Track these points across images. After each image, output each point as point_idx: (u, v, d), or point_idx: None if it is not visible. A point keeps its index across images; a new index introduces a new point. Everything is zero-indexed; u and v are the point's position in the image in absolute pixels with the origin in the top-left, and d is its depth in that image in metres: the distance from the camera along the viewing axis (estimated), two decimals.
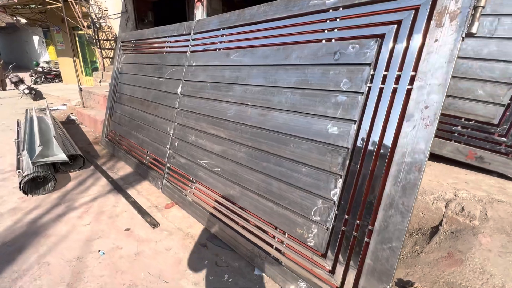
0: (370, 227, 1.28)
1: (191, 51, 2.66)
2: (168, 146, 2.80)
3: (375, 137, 1.30)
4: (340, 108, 1.44)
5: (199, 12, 3.37)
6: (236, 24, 2.17)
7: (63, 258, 1.89)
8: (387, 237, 1.22)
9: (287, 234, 1.66)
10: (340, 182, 1.41)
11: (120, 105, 3.86)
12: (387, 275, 1.22)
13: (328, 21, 1.57)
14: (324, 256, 1.46)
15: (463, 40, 1.12)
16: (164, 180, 2.79)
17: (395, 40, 1.28)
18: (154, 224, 2.28)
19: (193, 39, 2.65)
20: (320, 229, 1.47)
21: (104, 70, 7.72)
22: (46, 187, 2.76)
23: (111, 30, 8.38)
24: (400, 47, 1.26)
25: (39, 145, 2.81)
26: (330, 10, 1.56)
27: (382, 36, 1.33)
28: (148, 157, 3.16)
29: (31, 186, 2.73)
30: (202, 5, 3.26)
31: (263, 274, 1.75)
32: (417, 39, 1.22)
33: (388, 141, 1.25)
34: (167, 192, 2.73)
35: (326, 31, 1.58)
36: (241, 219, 1.96)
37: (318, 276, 1.48)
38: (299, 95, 1.65)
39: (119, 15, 7.44)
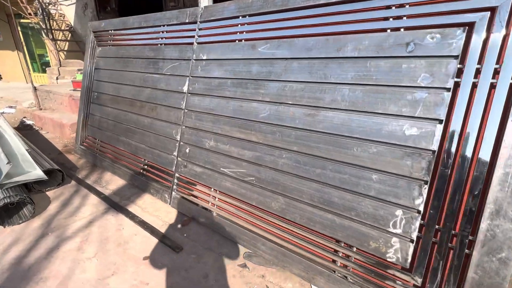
0: (470, 237, 1.17)
1: (198, 43, 2.29)
2: (175, 153, 2.43)
3: (471, 137, 1.17)
4: (420, 106, 1.29)
5: None
6: (264, 11, 1.88)
7: None
8: (495, 248, 1.11)
9: (355, 248, 1.49)
10: (425, 189, 1.27)
11: (99, 106, 3.29)
12: None
13: (393, 7, 1.39)
14: (409, 270, 1.33)
15: None
16: (174, 193, 2.42)
17: (489, 29, 1.16)
18: (177, 247, 1.94)
19: (200, 29, 2.29)
20: (402, 242, 1.33)
21: (61, 65, 6.69)
22: (21, 213, 2.21)
23: (63, 18, 7.28)
24: (496, 37, 1.14)
25: (8, 163, 2.22)
26: None
27: (471, 25, 1.19)
28: (146, 166, 2.73)
29: (1, 215, 2.16)
30: None
31: None
32: None
33: (488, 142, 1.14)
34: (180, 206, 2.37)
35: (391, 19, 1.40)
36: (287, 233, 1.74)
37: None
38: (361, 92, 1.46)
39: (73, 1, 6.46)
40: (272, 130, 1.81)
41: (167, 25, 2.56)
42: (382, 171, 1.39)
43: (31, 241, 1.97)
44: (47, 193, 2.63)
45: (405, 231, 1.32)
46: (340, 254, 1.54)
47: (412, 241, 1.30)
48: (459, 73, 1.22)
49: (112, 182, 2.91)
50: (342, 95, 1.52)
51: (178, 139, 2.41)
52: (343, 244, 1.53)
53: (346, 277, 1.50)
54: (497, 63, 1.14)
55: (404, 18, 1.37)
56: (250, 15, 1.96)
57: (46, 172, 2.55)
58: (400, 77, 1.35)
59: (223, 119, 2.08)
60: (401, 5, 1.37)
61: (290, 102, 1.72)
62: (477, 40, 1.18)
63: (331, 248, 1.57)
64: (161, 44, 2.62)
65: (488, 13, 1.16)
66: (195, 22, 2.32)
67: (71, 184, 2.83)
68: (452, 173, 1.21)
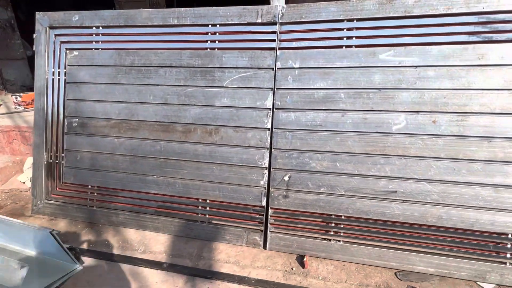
0: None
1: (282, 48, 1.92)
2: (262, 183, 1.97)
3: None
4: None
5: None
6: (380, 16, 1.76)
7: None
8: None
9: None
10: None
11: (88, 138, 2.26)
12: None
13: None
14: None
15: None
16: (270, 233, 1.97)
17: None
18: None
19: (283, 32, 1.92)
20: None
21: None
22: None
23: None
24: None
25: (22, 266, 1.20)
26: None
27: None
28: (208, 208, 2.09)
29: None
30: None
31: None
32: None
33: None
34: (284, 247, 1.95)
35: None
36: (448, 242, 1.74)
37: None
38: (508, 95, 1.61)
39: None
40: (411, 141, 1.74)
41: (221, 25, 2.01)
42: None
43: None
44: None
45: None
46: None
47: None
48: None
49: (150, 241, 2.08)
50: (489, 99, 1.64)
51: (266, 166, 1.96)
52: None
53: None
54: None
55: None
56: (361, 20, 1.80)
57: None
58: None
59: (340, 135, 1.84)
60: None
61: (430, 110, 1.71)
62: None
63: None
64: (212, 49, 2.03)
65: None
66: (274, 23, 1.92)
67: (91, 264, 1.84)
68: None
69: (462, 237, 1.72)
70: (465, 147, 1.68)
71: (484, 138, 1.65)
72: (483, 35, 1.65)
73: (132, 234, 2.16)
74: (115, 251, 1.97)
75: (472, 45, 1.66)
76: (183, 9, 2.05)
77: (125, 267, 1.82)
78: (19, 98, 3.46)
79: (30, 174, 2.71)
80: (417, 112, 1.73)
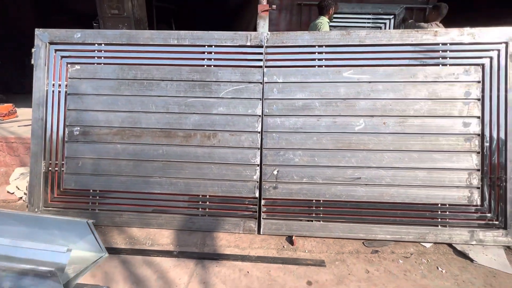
0: None
1: (268, 66, 2.37)
2: (255, 178, 2.36)
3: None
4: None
5: (264, 24, 2.74)
6: (342, 44, 2.31)
7: None
8: None
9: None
10: None
11: (90, 145, 2.44)
12: None
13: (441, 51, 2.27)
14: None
15: None
16: (263, 219, 2.34)
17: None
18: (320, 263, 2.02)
19: (268, 53, 2.37)
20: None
21: None
22: None
23: None
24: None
25: (68, 249, 1.39)
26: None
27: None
28: (207, 203, 2.40)
29: None
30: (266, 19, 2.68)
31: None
32: None
33: None
34: (276, 230, 2.33)
35: (441, 59, 2.27)
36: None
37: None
38: (431, 103, 2.25)
39: None
40: (363, 139, 2.29)
41: (217, 46, 2.39)
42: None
43: None
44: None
45: None
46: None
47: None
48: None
49: (156, 236, 2.30)
50: (420, 106, 2.26)
51: (258, 163, 2.36)
52: None
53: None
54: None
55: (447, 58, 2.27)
56: (328, 46, 2.33)
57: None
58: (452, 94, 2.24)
59: (317, 135, 2.31)
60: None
61: (380, 114, 2.28)
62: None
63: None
64: (208, 66, 2.40)
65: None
66: (260, 46, 2.37)
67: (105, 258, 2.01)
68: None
69: (408, 209, 2.29)
70: (406, 142, 2.27)
71: (418, 135, 2.26)
72: (412, 60, 2.29)
73: (136, 231, 2.36)
74: (124, 246, 2.16)
75: (406, 67, 2.28)
76: (182, 32, 2.40)
77: (138, 258, 2.03)
78: None
79: (19, 184, 2.73)
80: (372, 116, 2.29)
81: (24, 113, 3.79)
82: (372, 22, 4.12)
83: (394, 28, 4.16)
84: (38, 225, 1.55)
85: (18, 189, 2.70)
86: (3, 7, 6.13)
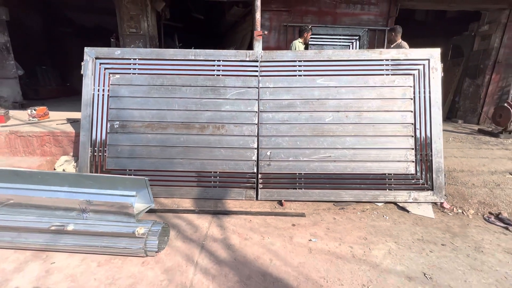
0: None
1: (262, 75, 3.22)
2: (254, 158, 3.16)
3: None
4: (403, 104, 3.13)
5: (259, 44, 3.57)
6: (315, 59, 3.19)
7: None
8: None
9: None
10: None
11: (127, 135, 3.19)
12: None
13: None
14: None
15: None
16: (260, 189, 3.14)
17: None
18: (300, 215, 2.82)
19: (262, 66, 3.22)
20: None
21: None
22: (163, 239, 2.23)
23: None
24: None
25: (134, 195, 2.15)
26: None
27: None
28: (218, 177, 3.17)
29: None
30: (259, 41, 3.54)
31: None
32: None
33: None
34: (269, 197, 3.12)
35: (385, 70, 3.18)
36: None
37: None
38: (379, 101, 3.14)
39: None
40: (332, 127, 3.15)
41: (224, 61, 3.23)
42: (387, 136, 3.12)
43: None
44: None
45: None
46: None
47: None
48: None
49: (179, 202, 3.05)
50: (366, 104, 3.14)
51: (255, 147, 3.17)
52: None
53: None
54: None
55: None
56: (306, 61, 3.21)
57: None
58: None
59: (299, 125, 3.16)
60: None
61: (344, 110, 3.15)
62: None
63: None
64: (218, 75, 3.22)
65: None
66: (256, 61, 3.22)
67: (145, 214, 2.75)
68: None
69: (365, 178, 3.14)
70: (362, 129, 3.14)
71: (370, 124, 3.14)
72: (365, 71, 3.19)
73: (164, 200, 3.09)
74: (158, 207, 2.90)
75: (361, 76, 3.18)
76: (198, 50, 3.23)
77: (169, 214, 2.78)
78: (34, 111, 4.07)
79: (66, 167, 3.42)
80: (338, 111, 3.16)
81: (53, 115, 4.48)
82: (343, 42, 5.11)
83: (359, 46, 5.18)
84: (108, 182, 2.28)
85: (65, 171, 3.39)
86: (19, 22, 6.81)
